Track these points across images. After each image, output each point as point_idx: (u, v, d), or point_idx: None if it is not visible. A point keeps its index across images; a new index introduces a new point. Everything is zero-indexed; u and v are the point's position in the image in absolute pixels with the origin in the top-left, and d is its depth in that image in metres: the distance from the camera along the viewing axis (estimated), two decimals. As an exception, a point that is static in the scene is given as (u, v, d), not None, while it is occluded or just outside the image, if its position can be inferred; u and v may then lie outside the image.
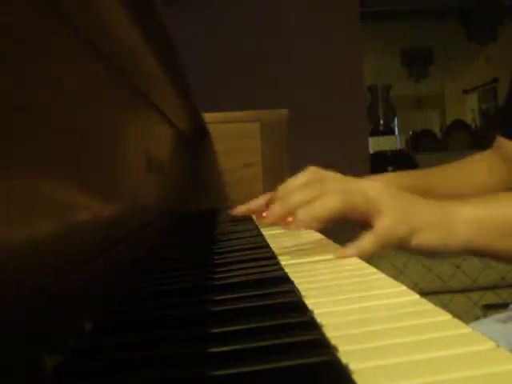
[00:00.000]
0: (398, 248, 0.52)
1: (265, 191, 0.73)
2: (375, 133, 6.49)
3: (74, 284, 0.37)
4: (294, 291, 0.36)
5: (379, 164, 3.29)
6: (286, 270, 0.44)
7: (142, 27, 0.50)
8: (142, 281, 0.46)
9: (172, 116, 0.89)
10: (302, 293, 0.36)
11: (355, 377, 0.22)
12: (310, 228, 0.58)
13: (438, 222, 0.52)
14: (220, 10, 2.44)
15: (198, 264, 0.52)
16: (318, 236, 0.62)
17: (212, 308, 0.34)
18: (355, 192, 0.53)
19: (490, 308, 2.03)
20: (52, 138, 0.36)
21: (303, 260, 0.49)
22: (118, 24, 0.47)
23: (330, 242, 0.59)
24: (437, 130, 7.09)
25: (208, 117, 1.15)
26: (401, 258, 2.07)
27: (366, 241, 0.51)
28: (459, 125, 5.84)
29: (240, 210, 0.70)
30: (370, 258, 0.49)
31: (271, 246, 0.57)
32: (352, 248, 0.50)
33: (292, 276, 0.41)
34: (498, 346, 0.23)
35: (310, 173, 0.58)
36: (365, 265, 0.45)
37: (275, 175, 1.21)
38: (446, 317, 0.28)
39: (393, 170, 3.18)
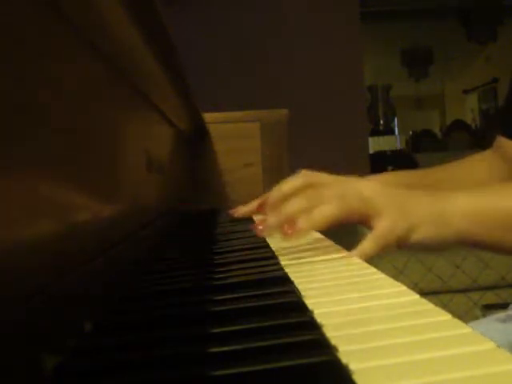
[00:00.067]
0: (398, 247, 0.52)
1: (265, 191, 0.73)
2: (375, 133, 6.49)
3: (74, 284, 0.37)
4: (294, 291, 0.36)
5: (379, 164, 3.29)
6: (286, 270, 0.44)
7: (142, 27, 0.50)
8: (142, 281, 0.46)
9: (172, 116, 0.89)
10: (302, 293, 0.36)
11: (355, 377, 0.22)
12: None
13: (435, 214, 0.52)
14: (220, 10, 2.44)
15: (198, 264, 0.52)
16: (318, 236, 0.62)
17: (212, 308, 0.34)
18: (351, 195, 0.52)
19: (489, 308, 2.02)
20: (52, 137, 0.36)
21: (303, 260, 0.49)
22: (118, 24, 0.47)
23: (330, 242, 0.59)
24: (437, 130, 7.09)
25: (208, 117, 1.15)
26: (401, 258, 2.07)
27: (367, 246, 0.51)
28: (459, 125, 5.84)
29: (240, 211, 0.70)
30: (370, 258, 0.49)
31: (271, 245, 0.57)
32: (354, 253, 0.51)
33: (292, 276, 0.41)
34: (498, 345, 0.23)
35: (303, 176, 0.57)
36: (365, 265, 0.45)
37: (275, 175, 1.20)
38: (445, 317, 0.28)
39: (393, 170, 3.18)
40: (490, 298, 2.09)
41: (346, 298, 0.34)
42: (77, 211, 0.41)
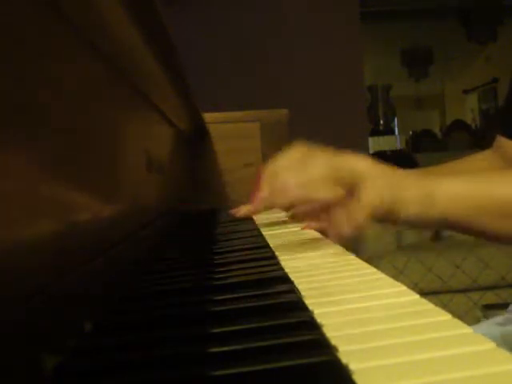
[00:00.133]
0: (387, 221, 0.53)
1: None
2: (375, 133, 6.50)
3: (74, 284, 0.37)
4: (293, 291, 0.36)
5: (379, 164, 3.28)
6: (286, 270, 0.44)
7: (142, 27, 0.50)
8: (142, 281, 0.46)
9: (172, 116, 0.89)
10: (302, 293, 0.36)
11: (355, 377, 0.22)
12: None
13: (422, 194, 0.53)
14: (220, 10, 2.44)
15: (198, 264, 0.52)
16: (318, 235, 0.62)
17: (212, 308, 0.34)
18: (341, 167, 0.54)
19: (490, 308, 2.03)
20: (52, 137, 0.36)
21: (302, 259, 0.49)
22: (118, 24, 0.47)
23: (330, 242, 0.59)
24: (437, 130, 7.10)
25: (208, 117, 1.15)
26: (401, 258, 2.07)
27: (356, 215, 0.51)
28: (459, 125, 5.85)
29: (242, 211, 0.70)
30: (370, 258, 0.49)
31: (271, 245, 0.57)
32: (347, 228, 0.51)
33: (292, 276, 0.41)
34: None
35: (298, 149, 0.59)
36: (365, 265, 0.45)
37: (275, 175, 1.20)
38: (445, 317, 0.28)
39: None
40: (490, 298, 2.09)
41: (346, 297, 0.34)
42: (77, 211, 0.41)
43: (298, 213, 0.67)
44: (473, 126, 6.70)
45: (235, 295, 0.36)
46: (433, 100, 7.95)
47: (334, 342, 0.26)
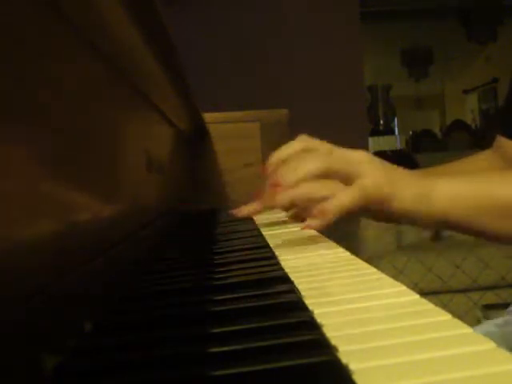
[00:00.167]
0: (379, 212, 0.53)
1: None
2: (375, 133, 6.50)
3: (74, 284, 0.37)
4: (293, 291, 0.36)
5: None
6: (286, 270, 0.44)
7: (142, 27, 0.50)
8: (142, 281, 0.46)
9: (172, 116, 0.89)
10: (302, 293, 0.36)
11: (355, 377, 0.22)
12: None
13: (420, 190, 0.53)
14: (220, 10, 2.44)
15: (198, 264, 0.52)
16: (318, 235, 0.62)
17: (212, 308, 0.34)
18: (339, 157, 0.54)
19: (490, 308, 2.03)
20: (52, 137, 0.36)
21: (302, 259, 0.49)
22: (118, 24, 0.47)
23: (330, 242, 0.59)
24: (437, 130, 7.10)
25: (208, 117, 1.15)
26: (401, 258, 2.07)
27: (344, 195, 0.51)
28: (459, 125, 5.85)
29: (243, 211, 0.70)
30: (370, 258, 0.49)
31: (271, 245, 0.57)
32: (330, 205, 0.51)
33: (292, 276, 0.41)
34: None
35: (301, 142, 0.59)
36: (365, 265, 0.45)
37: (275, 175, 1.20)
38: (445, 317, 0.28)
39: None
40: (490, 298, 2.09)
41: (346, 298, 0.34)
42: (77, 211, 0.41)
43: (298, 213, 0.68)
44: (473, 126, 6.71)
45: (235, 295, 0.36)
46: (433, 100, 7.95)
47: (334, 342, 0.26)
